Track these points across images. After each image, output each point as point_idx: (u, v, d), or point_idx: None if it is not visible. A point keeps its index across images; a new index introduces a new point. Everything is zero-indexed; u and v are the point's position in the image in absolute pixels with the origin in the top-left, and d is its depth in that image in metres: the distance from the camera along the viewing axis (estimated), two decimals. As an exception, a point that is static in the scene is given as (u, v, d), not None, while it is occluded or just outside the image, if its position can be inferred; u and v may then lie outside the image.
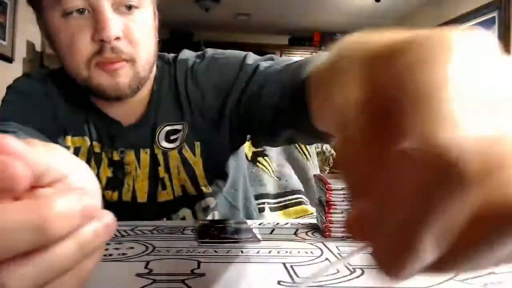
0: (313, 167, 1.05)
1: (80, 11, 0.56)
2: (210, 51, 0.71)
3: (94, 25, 0.56)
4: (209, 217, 0.71)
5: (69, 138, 0.68)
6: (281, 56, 6.72)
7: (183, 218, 0.70)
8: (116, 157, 0.67)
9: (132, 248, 0.49)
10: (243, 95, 0.63)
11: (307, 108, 0.40)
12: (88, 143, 0.67)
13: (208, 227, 0.58)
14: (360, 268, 0.43)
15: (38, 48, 3.64)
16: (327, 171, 1.14)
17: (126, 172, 0.67)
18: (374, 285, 0.39)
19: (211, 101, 0.67)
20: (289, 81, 0.53)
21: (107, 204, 0.65)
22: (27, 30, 3.41)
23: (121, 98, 0.62)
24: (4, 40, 3.08)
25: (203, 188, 0.69)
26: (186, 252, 0.47)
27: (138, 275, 0.40)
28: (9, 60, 3.16)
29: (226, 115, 0.66)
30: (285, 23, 6.05)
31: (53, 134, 0.65)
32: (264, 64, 0.63)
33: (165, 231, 0.57)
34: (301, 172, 1.03)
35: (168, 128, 0.68)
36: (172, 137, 0.67)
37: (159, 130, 0.67)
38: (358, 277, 0.41)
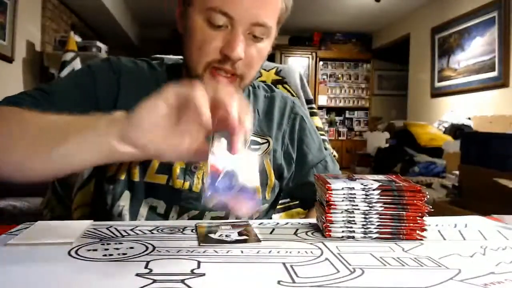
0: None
1: (220, 27, 0.65)
2: (299, 108, 0.88)
3: (227, 40, 0.64)
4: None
5: None
6: (281, 55, 6.71)
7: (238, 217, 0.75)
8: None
9: (132, 248, 0.49)
10: (302, 171, 0.82)
11: None
12: None
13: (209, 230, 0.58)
14: (360, 268, 0.43)
15: (38, 48, 3.64)
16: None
17: (198, 166, 0.73)
18: (374, 285, 0.39)
19: (292, 148, 0.82)
20: None
21: (177, 191, 0.70)
22: (27, 30, 3.41)
23: None
24: (4, 40, 3.08)
25: (267, 197, 0.79)
26: (186, 252, 0.47)
27: (138, 275, 0.40)
28: (9, 60, 3.16)
29: (289, 168, 0.82)
30: (285, 23, 6.01)
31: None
32: (328, 164, 0.85)
33: (165, 231, 0.57)
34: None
35: (252, 138, 0.77)
36: (253, 147, 0.77)
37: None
38: (358, 277, 0.41)
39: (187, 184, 0.71)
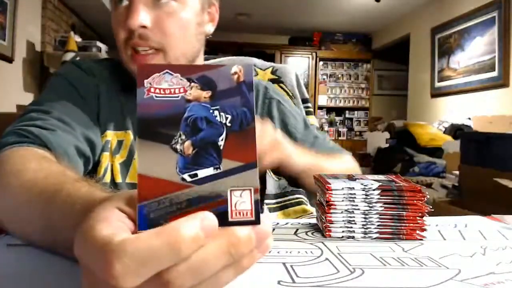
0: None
1: (121, 1, 0.64)
2: (273, 92, 0.86)
3: (127, 14, 0.63)
4: None
5: (111, 132, 0.71)
6: (281, 55, 6.71)
7: None
8: None
9: (132, 248, 0.49)
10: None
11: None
12: (132, 137, 0.71)
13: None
14: (360, 268, 0.43)
15: (38, 48, 3.64)
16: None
17: None
18: (374, 285, 0.39)
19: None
20: None
21: None
22: (27, 30, 3.41)
23: None
24: (4, 40, 3.08)
25: None
26: (186, 252, 0.47)
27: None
28: (9, 60, 3.16)
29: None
30: (285, 23, 6.05)
31: (95, 133, 0.69)
32: (318, 140, 0.83)
33: (165, 231, 0.57)
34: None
35: None
36: None
37: None
38: (358, 277, 0.41)
39: None
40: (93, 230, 0.25)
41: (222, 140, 0.27)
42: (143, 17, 0.63)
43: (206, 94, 0.27)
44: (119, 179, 0.70)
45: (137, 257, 0.23)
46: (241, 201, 0.26)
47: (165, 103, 0.26)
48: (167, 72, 0.27)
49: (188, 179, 0.26)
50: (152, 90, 0.27)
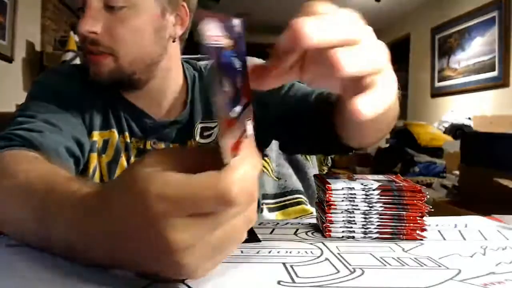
0: (313, 167, 1.05)
1: (82, 9, 0.66)
2: None
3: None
4: None
5: (96, 133, 0.72)
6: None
7: None
8: (148, 146, 0.73)
9: (132, 248, 0.49)
10: (281, 107, 0.72)
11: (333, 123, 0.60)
12: (117, 135, 0.72)
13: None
14: (360, 268, 0.43)
15: (38, 48, 3.64)
16: (325, 171, 1.15)
17: None
18: (374, 285, 0.39)
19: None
20: (320, 102, 0.67)
21: None
22: (27, 30, 3.41)
23: (106, 83, 0.69)
24: (4, 40, 3.08)
25: None
26: (186, 252, 0.47)
27: (139, 275, 0.40)
28: (9, 60, 3.16)
29: (263, 124, 0.71)
30: (285, 23, 6.02)
31: (82, 133, 0.70)
32: (298, 84, 0.74)
33: (165, 231, 0.57)
34: (300, 172, 1.03)
35: (202, 125, 0.75)
36: (205, 133, 0.75)
37: (196, 127, 0.74)
38: (358, 277, 0.41)
39: None
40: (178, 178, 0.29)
41: (240, 82, 0.32)
42: (92, 23, 0.65)
43: (230, 42, 0.31)
44: (107, 179, 0.71)
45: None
46: (249, 129, 0.34)
47: (215, 50, 0.29)
48: (217, 21, 0.30)
49: (234, 115, 0.31)
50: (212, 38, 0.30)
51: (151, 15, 0.68)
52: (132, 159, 0.71)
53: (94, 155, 0.71)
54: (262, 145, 0.80)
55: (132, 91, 0.73)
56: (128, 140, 0.73)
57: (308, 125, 0.69)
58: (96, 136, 0.72)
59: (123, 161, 0.72)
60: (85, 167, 0.71)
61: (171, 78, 0.76)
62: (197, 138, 0.74)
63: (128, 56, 0.68)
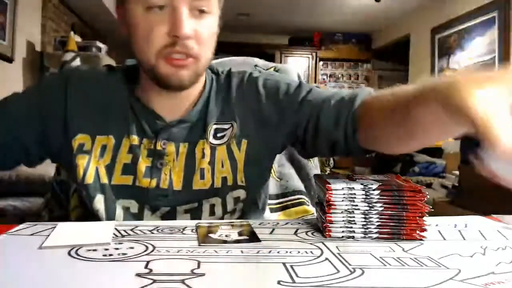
0: (314, 167, 1.05)
1: (160, 8, 0.64)
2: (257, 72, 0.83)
3: (171, 22, 0.64)
4: (237, 207, 0.76)
5: (84, 135, 0.72)
6: (281, 55, 6.71)
7: (213, 205, 0.74)
8: (159, 147, 0.73)
9: (132, 248, 0.49)
10: (300, 112, 0.73)
11: (356, 129, 0.67)
12: (113, 141, 0.72)
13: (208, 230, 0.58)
14: (360, 268, 0.43)
15: (38, 48, 3.64)
16: (328, 171, 1.15)
17: (164, 162, 0.72)
18: (374, 285, 0.39)
19: (267, 109, 0.76)
20: (343, 108, 0.69)
21: (145, 190, 0.70)
22: (27, 30, 3.41)
23: (182, 88, 0.70)
24: (4, 40, 3.08)
25: (239, 181, 0.75)
26: (186, 252, 0.47)
27: (138, 275, 0.40)
28: (9, 60, 3.16)
29: (281, 128, 0.75)
30: (285, 23, 6.05)
31: (59, 133, 0.72)
32: (316, 89, 0.76)
33: (165, 231, 0.57)
34: (302, 172, 1.03)
35: (216, 126, 0.75)
36: (219, 135, 0.75)
37: (210, 128, 0.74)
38: (358, 277, 0.41)
39: (154, 182, 0.71)
40: None
41: None
42: (189, 27, 0.65)
43: None
44: (105, 180, 0.71)
45: None
46: None
47: None
48: None
49: None
50: None
51: (217, 20, 0.71)
52: (141, 159, 0.72)
53: (84, 157, 0.71)
54: (278, 150, 0.80)
55: (175, 92, 0.73)
56: (137, 142, 0.73)
57: (327, 129, 0.70)
58: (85, 139, 0.72)
59: (118, 166, 0.72)
60: (73, 166, 0.72)
61: (201, 81, 0.77)
62: (210, 138, 0.74)
63: (205, 59, 0.70)
